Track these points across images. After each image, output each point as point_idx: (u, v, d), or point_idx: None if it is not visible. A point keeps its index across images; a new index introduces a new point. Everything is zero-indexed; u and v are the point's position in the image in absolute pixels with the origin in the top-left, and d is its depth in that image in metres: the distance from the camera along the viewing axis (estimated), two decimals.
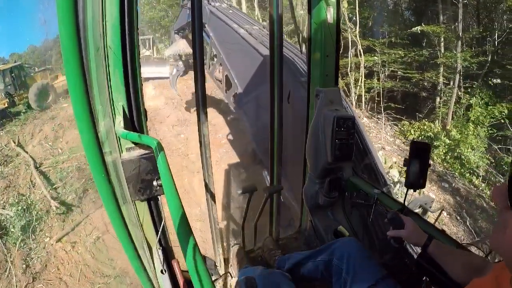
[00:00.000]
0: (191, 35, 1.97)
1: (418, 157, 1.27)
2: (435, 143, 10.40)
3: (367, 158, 2.98)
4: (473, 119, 10.57)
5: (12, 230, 6.92)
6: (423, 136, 10.97)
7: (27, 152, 9.35)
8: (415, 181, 1.28)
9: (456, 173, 9.80)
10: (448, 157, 10.21)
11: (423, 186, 1.28)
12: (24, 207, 7.40)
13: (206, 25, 5.82)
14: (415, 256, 1.15)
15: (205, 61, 6.37)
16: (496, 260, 0.97)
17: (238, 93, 5.01)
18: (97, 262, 6.33)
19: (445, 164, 10.15)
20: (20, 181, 8.33)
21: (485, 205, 8.73)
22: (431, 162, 9.90)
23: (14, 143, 9.77)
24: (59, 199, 7.75)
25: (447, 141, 10.34)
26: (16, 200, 7.63)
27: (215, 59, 6.25)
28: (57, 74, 15.94)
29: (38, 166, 8.77)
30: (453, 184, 9.35)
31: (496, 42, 11.40)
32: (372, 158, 3.00)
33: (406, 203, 1.42)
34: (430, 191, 8.66)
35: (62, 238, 6.73)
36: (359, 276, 1.20)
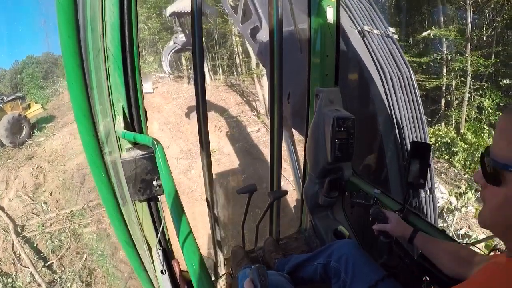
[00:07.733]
0: (191, 35, 1.95)
1: (419, 157, 1.27)
2: (453, 149, 10.14)
3: None
4: None
5: None
6: (440, 143, 10.61)
7: (3, 209, 7.40)
8: (415, 181, 1.28)
9: None
10: (469, 162, 9.93)
11: (423, 186, 1.28)
12: None
13: None
14: (415, 256, 1.15)
15: None
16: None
17: (261, 29, 3.48)
18: None
19: (467, 171, 9.91)
20: (1, 254, 6.37)
21: None
22: (455, 170, 9.83)
23: None
24: None
25: (464, 145, 10.12)
26: (1, 285, 5.78)
27: None
28: (29, 103, 13.83)
29: (20, 230, 6.78)
30: None
31: (494, 41, 11.36)
32: None
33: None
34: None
35: None
36: (358, 277, 1.20)
